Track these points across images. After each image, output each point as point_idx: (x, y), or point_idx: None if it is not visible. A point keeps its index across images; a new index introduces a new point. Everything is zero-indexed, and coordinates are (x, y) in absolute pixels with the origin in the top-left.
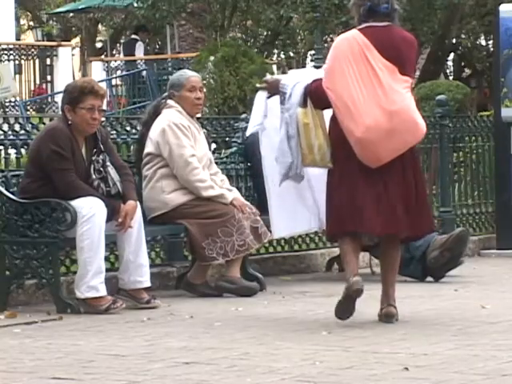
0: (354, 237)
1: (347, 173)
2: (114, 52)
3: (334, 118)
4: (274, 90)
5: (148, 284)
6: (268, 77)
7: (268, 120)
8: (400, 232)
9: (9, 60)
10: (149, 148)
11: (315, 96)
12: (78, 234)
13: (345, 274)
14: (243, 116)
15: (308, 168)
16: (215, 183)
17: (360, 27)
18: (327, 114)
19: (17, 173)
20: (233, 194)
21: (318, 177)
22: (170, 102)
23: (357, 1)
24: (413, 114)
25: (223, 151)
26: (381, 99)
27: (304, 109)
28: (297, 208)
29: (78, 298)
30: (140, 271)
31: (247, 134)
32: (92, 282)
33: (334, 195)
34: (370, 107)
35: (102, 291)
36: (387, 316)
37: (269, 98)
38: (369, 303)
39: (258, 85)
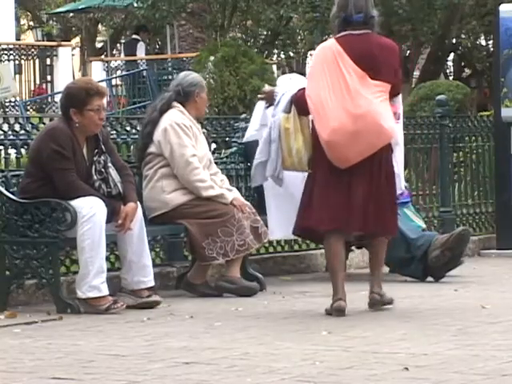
0: (336, 237)
1: (316, 173)
2: (114, 52)
3: (313, 122)
4: (270, 99)
5: (152, 283)
6: (266, 87)
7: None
8: (354, 229)
9: (9, 60)
10: (150, 148)
11: (298, 103)
12: (79, 234)
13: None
14: (243, 116)
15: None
16: (215, 183)
17: (337, 36)
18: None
19: (17, 173)
20: (233, 194)
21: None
22: (173, 102)
23: (335, 13)
24: (378, 117)
25: (223, 151)
26: (347, 103)
27: (287, 114)
28: (292, 211)
29: (79, 297)
30: (144, 271)
31: (244, 140)
32: (94, 282)
33: (303, 194)
34: (337, 111)
35: (104, 291)
36: (370, 303)
37: (267, 107)
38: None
39: (258, 96)
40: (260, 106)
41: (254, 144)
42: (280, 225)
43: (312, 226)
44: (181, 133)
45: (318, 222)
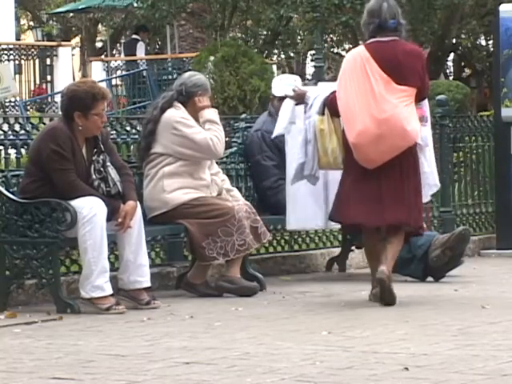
0: (369, 232)
1: (349, 172)
2: (114, 52)
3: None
4: (300, 99)
5: (148, 284)
6: (296, 87)
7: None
8: (380, 224)
9: (9, 60)
10: (156, 148)
11: (330, 105)
12: (80, 235)
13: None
14: (243, 116)
15: (329, 172)
16: (216, 183)
17: (366, 43)
18: None
19: (17, 173)
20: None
21: (336, 181)
22: (174, 102)
23: (367, 19)
24: (402, 121)
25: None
26: (372, 108)
27: (321, 116)
28: (308, 205)
29: (83, 297)
30: (140, 271)
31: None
32: (97, 282)
33: (338, 190)
34: (362, 115)
35: (108, 290)
36: (376, 296)
37: (296, 105)
38: (369, 303)
39: (287, 93)
40: (288, 103)
41: (254, 140)
42: (295, 217)
43: (348, 220)
44: (189, 123)
45: (354, 216)
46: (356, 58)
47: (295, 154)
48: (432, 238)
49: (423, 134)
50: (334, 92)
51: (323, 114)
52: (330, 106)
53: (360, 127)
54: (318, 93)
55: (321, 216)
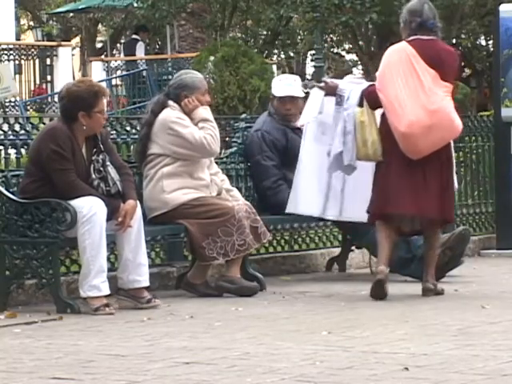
0: (390, 223)
1: (391, 163)
2: (114, 52)
3: (383, 116)
4: (331, 91)
5: (147, 283)
6: (328, 79)
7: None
8: (432, 215)
9: (9, 60)
10: (153, 149)
11: (369, 97)
12: (80, 234)
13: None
14: (243, 116)
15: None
16: (215, 183)
17: (408, 39)
18: (378, 113)
19: (17, 173)
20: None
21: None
22: (169, 101)
23: (408, 18)
24: (450, 113)
25: (223, 151)
26: (423, 100)
27: (361, 108)
28: (311, 192)
29: (81, 297)
30: (139, 270)
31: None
32: (94, 282)
33: (379, 182)
34: (413, 106)
35: (105, 290)
36: (424, 290)
37: (325, 96)
38: (369, 303)
39: (315, 83)
40: (317, 93)
41: (253, 140)
42: (306, 201)
43: (401, 211)
44: (184, 123)
45: (406, 208)
46: (401, 53)
47: (332, 146)
48: None
49: None
50: (373, 85)
51: (361, 106)
52: (369, 99)
53: (412, 118)
54: (352, 86)
55: (317, 204)
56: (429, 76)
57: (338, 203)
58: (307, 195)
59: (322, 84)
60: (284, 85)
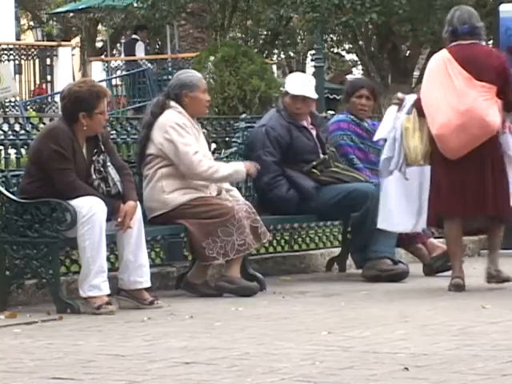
0: (453, 224)
1: (439, 165)
2: (114, 52)
3: None
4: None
5: (148, 284)
6: (399, 94)
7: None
8: (488, 212)
9: (9, 60)
10: (151, 149)
11: (418, 105)
12: (79, 235)
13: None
14: (243, 116)
15: (425, 171)
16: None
17: (448, 46)
18: None
19: (17, 173)
20: (242, 164)
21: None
22: (170, 102)
23: (445, 28)
24: (481, 112)
25: (223, 151)
26: (453, 101)
27: (408, 115)
28: (399, 206)
29: (81, 297)
30: (140, 271)
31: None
32: (94, 281)
33: (432, 185)
34: (444, 108)
35: (105, 290)
36: (487, 277)
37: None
38: (369, 303)
39: (392, 101)
40: (392, 110)
41: (253, 139)
42: (403, 218)
43: (441, 213)
44: (183, 132)
45: (446, 208)
46: (439, 61)
47: (385, 151)
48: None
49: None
50: None
51: (410, 113)
52: (418, 106)
53: (442, 119)
54: (413, 97)
55: (410, 219)
56: (462, 78)
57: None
58: (400, 213)
59: (397, 100)
60: (299, 83)
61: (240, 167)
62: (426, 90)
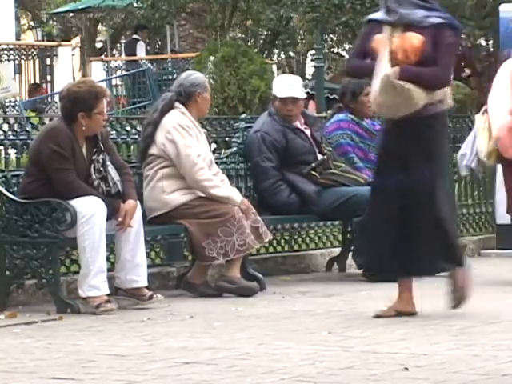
0: None
1: (507, 164)
2: (114, 52)
3: None
4: None
5: (145, 283)
6: None
7: None
8: None
9: (9, 60)
10: (153, 150)
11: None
12: (79, 235)
13: None
14: (243, 116)
15: None
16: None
17: None
18: None
19: (17, 173)
20: (240, 196)
21: None
22: (176, 103)
23: None
24: None
25: (223, 151)
26: (510, 105)
27: (481, 115)
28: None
29: (81, 297)
30: (137, 271)
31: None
32: (93, 281)
33: (505, 183)
34: (503, 113)
35: (104, 290)
36: None
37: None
38: (369, 303)
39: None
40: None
41: (253, 140)
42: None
43: None
44: (185, 133)
45: None
46: (505, 67)
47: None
48: None
49: None
50: None
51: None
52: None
53: (500, 122)
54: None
55: None
56: None
57: None
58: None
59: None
60: (286, 86)
61: (236, 197)
62: (492, 95)
